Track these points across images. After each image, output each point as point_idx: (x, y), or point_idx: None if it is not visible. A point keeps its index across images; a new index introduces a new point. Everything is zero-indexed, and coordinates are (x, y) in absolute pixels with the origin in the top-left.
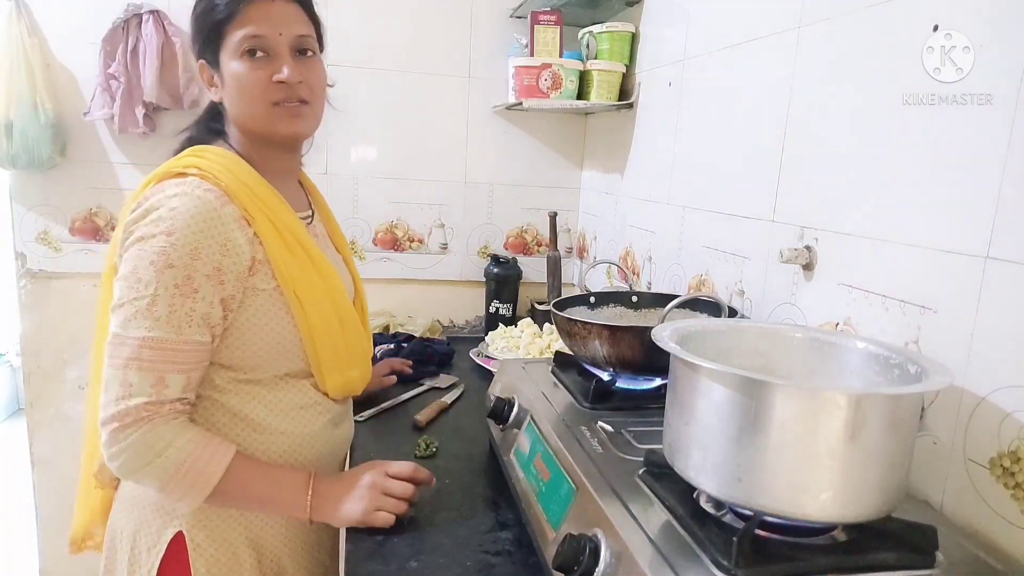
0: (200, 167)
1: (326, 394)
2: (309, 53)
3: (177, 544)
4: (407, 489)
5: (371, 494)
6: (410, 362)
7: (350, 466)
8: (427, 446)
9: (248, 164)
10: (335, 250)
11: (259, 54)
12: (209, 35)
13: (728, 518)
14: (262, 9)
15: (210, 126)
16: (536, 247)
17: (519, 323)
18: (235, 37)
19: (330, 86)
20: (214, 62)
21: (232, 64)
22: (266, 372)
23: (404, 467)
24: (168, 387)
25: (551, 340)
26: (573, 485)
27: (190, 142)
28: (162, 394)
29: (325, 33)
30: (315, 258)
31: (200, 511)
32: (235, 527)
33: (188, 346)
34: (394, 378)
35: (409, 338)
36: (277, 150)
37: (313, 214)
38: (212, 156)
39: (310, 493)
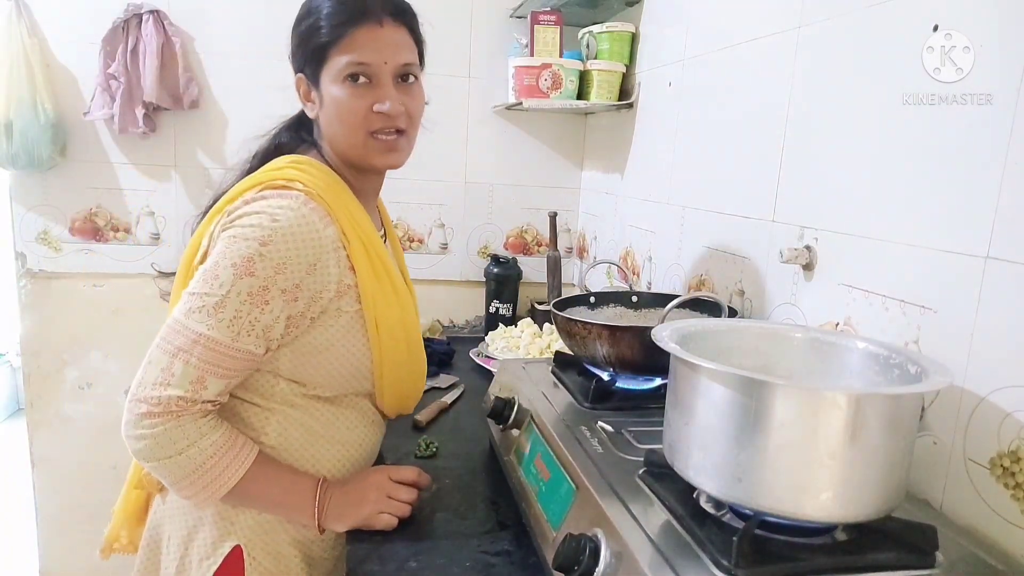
0: (304, 183)
1: (381, 412)
2: (411, 79)
3: (233, 558)
4: (411, 494)
5: (376, 497)
6: None
7: None
8: (427, 446)
9: (343, 182)
10: (398, 271)
11: (361, 80)
12: (312, 54)
13: (728, 518)
14: (370, 34)
15: (301, 135)
16: (536, 247)
17: (519, 323)
18: (339, 62)
19: (426, 103)
20: (313, 79)
21: (333, 87)
22: (333, 391)
23: (408, 471)
24: (206, 388)
25: (551, 340)
26: (573, 485)
27: (278, 150)
28: (198, 394)
29: (426, 50)
30: (395, 283)
31: (259, 525)
32: (290, 541)
33: (239, 354)
34: None
35: None
36: (367, 173)
37: (385, 233)
38: (314, 171)
39: (317, 501)
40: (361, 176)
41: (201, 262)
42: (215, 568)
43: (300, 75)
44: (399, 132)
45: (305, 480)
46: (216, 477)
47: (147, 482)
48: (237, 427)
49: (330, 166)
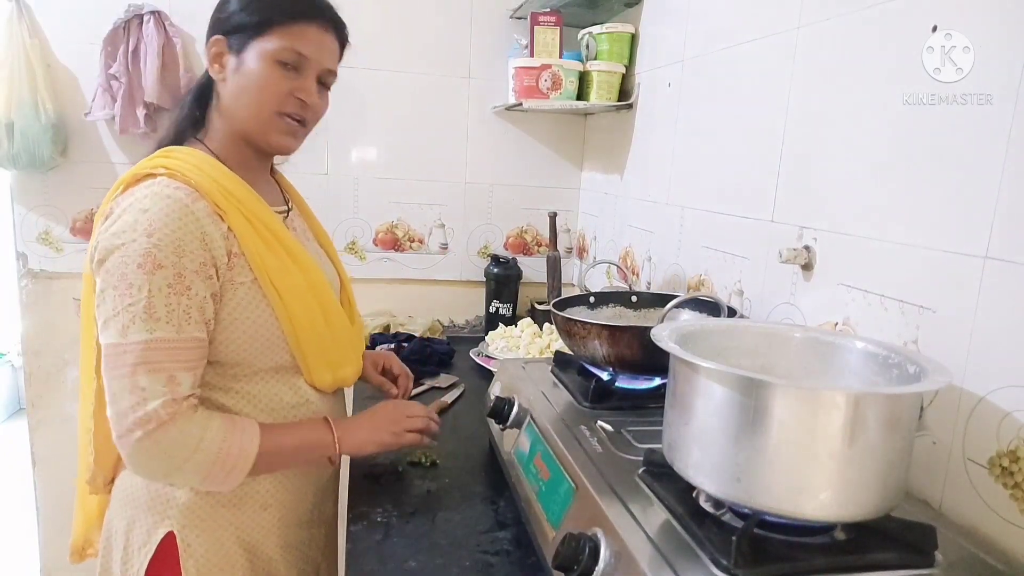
0: (168, 167)
1: (316, 388)
2: (326, 89)
3: (168, 544)
4: (424, 420)
5: (394, 416)
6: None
7: (351, 468)
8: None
9: (219, 161)
10: (317, 245)
11: (290, 67)
12: (252, 23)
13: (727, 517)
14: (316, 34)
15: (194, 113)
16: (536, 247)
17: (519, 323)
18: (278, 43)
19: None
20: (237, 47)
21: (259, 62)
22: (252, 367)
23: (416, 406)
24: (180, 384)
25: (551, 340)
26: (573, 484)
27: (176, 132)
28: (176, 391)
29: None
30: (292, 251)
31: (192, 511)
32: (227, 527)
33: (190, 343)
34: (390, 386)
35: (409, 338)
36: (253, 150)
37: (290, 209)
38: (181, 155)
39: (334, 430)
40: (247, 152)
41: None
42: (151, 555)
43: (220, 37)
44: (301, 122)
45: (312, 421)
46: (239, 455)
47: (93, 486)
48: None
49: (209, 148)
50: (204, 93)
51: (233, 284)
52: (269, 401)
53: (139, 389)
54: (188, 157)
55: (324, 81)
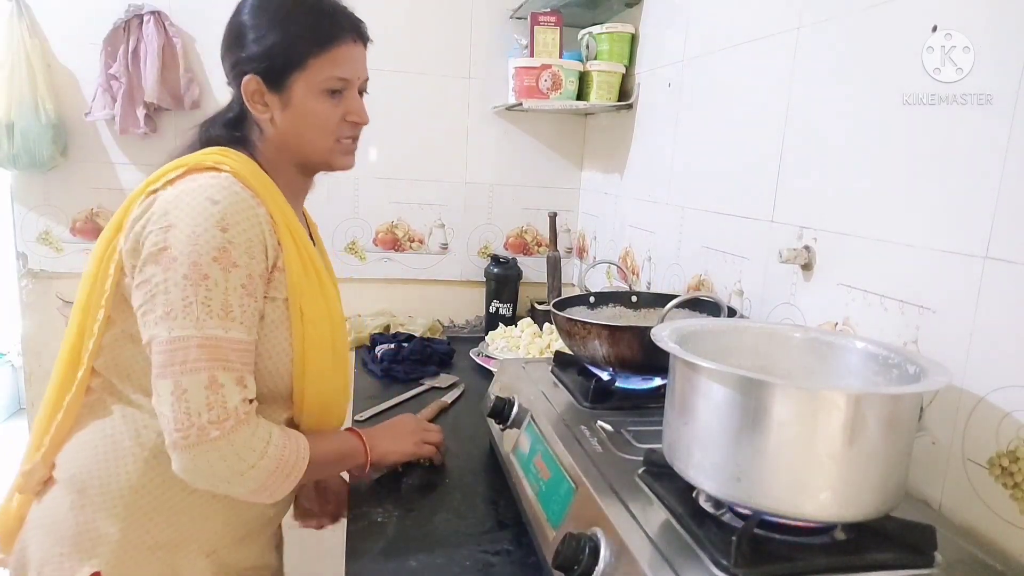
0: (231, 167)
1: (298, 427)
2: (365, 95)
3: None
4: (439, 435)
5: (412, 430)
6: None
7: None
8: None
9: (271, 179)
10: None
11: (337, 93)
12: (288, 59)
13: (727, 517)
14: (349, 51)
15: (233, 134)
16: (536, 247)
17: (519, 323)
18: (321, 73)
19: None
20: (276, 84)
21: (309, 97)
22: None
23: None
24: (247, 388)
25: (551, 340)
26: (573, 484)
27: (209, 142)
28: (243, 393)
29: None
30: (322, 279)
31: (124, 551)
32: (162, 571)
33: (252, 348)
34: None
35: (409, 338)
36: (304, 173)
37: (314, 241)
38: (240, 160)
39: (364, 439)
40: (298, 176)
41: (121, 235)
42: None
43: (255, 77)
44: (355, 139)
45: (342, 432)
46: (295, 463)
47: (27, 481)
48: (126, 433)
49: (260, 165)
50: (238, 123)
51: (267, 299)
52: None
53: (218, 385)
54: (246, 164)
55: (363, 90)
